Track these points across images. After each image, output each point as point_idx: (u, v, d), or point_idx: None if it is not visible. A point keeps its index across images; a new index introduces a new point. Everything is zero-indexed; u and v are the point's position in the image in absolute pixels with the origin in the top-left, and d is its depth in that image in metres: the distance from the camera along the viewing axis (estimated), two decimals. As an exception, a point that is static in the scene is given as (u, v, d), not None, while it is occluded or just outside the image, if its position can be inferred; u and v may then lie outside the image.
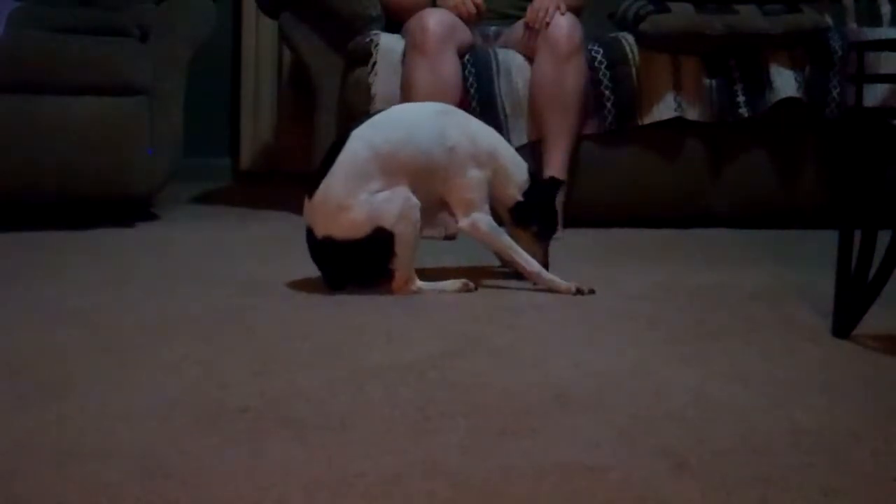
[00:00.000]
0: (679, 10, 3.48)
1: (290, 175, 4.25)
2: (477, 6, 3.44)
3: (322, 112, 3.61)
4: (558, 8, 3.38)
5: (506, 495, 1.33)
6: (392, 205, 2.35)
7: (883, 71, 3.02)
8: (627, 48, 3.49)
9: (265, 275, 2.57)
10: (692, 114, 3.49)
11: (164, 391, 1.70)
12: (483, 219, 2.46)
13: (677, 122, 3.49)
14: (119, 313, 2.23)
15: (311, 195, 2.38)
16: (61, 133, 3.25)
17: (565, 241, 3.22)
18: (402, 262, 2.37)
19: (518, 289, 2.48)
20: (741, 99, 3.49)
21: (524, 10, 3.47)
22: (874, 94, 3.33)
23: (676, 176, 3.52)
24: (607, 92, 3.45)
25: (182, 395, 1.68)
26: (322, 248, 2.38)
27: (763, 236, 3.34)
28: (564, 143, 3.37)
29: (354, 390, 1.71)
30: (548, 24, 3.35)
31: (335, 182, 2.36)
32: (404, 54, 3.38)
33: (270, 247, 2.99)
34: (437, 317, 2.23)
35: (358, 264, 2.39)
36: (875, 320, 2.09)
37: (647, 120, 3.49)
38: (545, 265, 2.51)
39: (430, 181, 2.44)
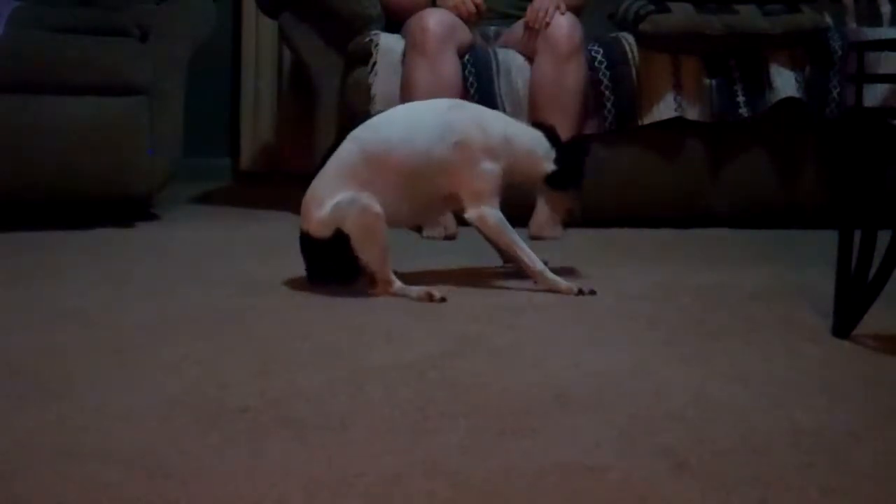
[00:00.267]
0: (679, 10, 3.48)
1: (290, 175, 4.25)
2: (477, 6, 3.44)
3: (322, 112, 3.61)
4: (558, 8, 3.38)
5: (506, 495, 1.33)
6: (351, 208, 2.35)
7: (883, 71, 3.02)
8: (627, 48, 3.49)
9: (265, 275, 2.57)
10: (692, 114, 3.49)
11: (164, 391, 1.70)
12: (492, 212, 2.46)
13: (677, 122, 3.49)
14: (119, 313, 2.23)
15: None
16: (61, 133, 3.25)
17: (565, 240, 3.22)
18: (373, 266, 2.37)
19: (518, 289, 2.48)
20: (741, 99, 3.49)
21: (524, 10, 3.47)
22: (874, 94, 3.33)
23: (676, 176, 3.52)
24: (607, 92, 3.45)
25: (182, 395, 1.68)
26: (302, 242, 2.43)
27: (763, 236, 3.34)
28: (564, 143, 3.37)
29: (354, 390, 1.71)
30: (548, 24, 3.35)
31: (322, 180, 2.41)
32: (404, 54, 3.38)
33: (270, 247, 2.99)
34: (437, 317, 2.23)
35: (326, 262, 2.40)
36: (875, 320, 2.09)
37: (647, 120, 3.49)
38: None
39: (432, 180, 2.44)
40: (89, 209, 3.35)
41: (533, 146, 2.52)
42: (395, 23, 3.54)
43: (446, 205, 2.54)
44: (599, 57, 3.46)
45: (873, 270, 2.04)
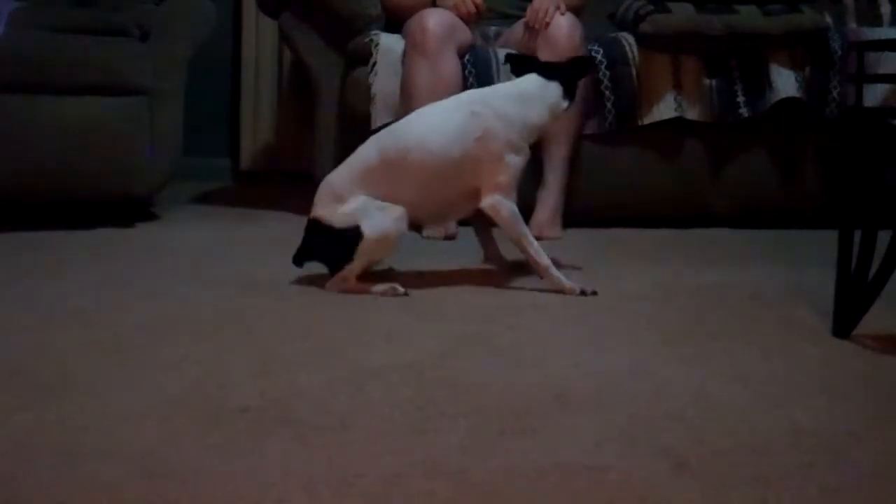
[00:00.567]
0: (679, 10, 3.48)
1: (290, 175, 4.25)
2: (477, 6, 3.44)
3: (322, 112, 3.61)
4: (558, 8, 3.37)
5: (506, 495, 1.33)
6: (382, 214, 2.40)
7: (883, 71, 3.01)
8: (627, 48, 3.49)
9: (265, 275, 2.57)
10: (692, 114, 3.49)
11: (164, 391, 1.70)
12: (506, 204, 2.48)
13: (677, 122, 3.48)
14: (119, 313, 2.23)
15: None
16: (61, 133, 3.25)
17: (565, 241, 3.22)
18: (352, 269, 2.41)
19: (518, 289, 2.48)
20: (741, 99, 3.49)
21: (524, 10, 3.47)
22: (874, 94, 3.32)
23: (676, 176, 3.52)
24: (607, 92, 3.45)
25: (182, 395, 1.68)
26: (309, 226, 2.48)
27: (763, 236, 3.34)
28: (564, 144, 3.37)
29: (354, 390, 1.72)
30: (548, 24, 3.35)
31: (339, 174, 2.48)
32: (404, 54, 3.38)
33: (270, 247, 2.99)
34: (437, 317, 2.23)
35: (324, 247, 2.45)
36: (875, 320, 2.09)
37: (647, 120, 3.49)
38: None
39: (455, 179, 2.48)
40: (89, 209, 3.35)
41: (546, 97, 2.57)
42: (395, 23, 3.54)
43: (469, 203, 2.54)
44: (599, 57, 3.46)
45: (873, 270, 2.04)
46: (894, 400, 1.77)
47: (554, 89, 2.59)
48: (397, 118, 2.85)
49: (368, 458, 1.43)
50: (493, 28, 3.61)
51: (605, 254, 3.00)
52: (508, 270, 2.63)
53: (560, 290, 2.43)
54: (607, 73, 3.45)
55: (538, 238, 3.15)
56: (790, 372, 1.88)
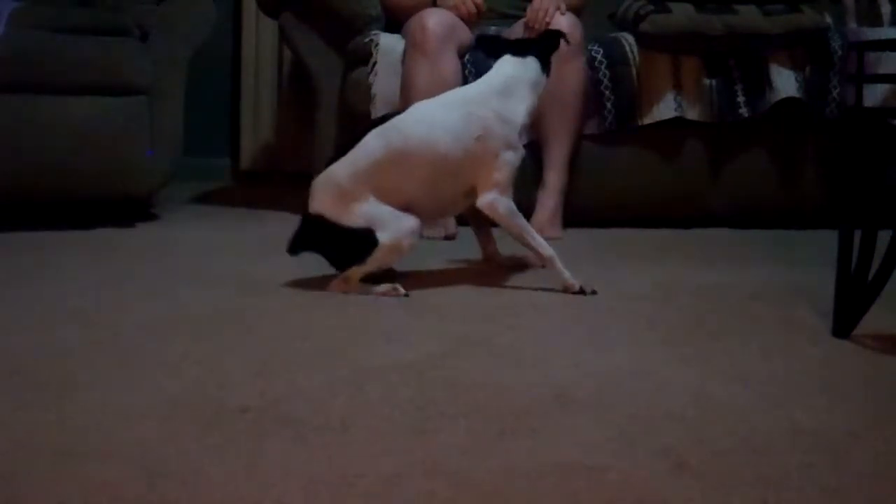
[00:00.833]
0: (679, 10, 3.48)
1: (290, 175, 4.25)
2: (477, 6, 3.44)
3: (322, 112, 3.61)
4: (558, 8, 3.38)
5: (506, 495, 1.33)
6: (399, 224, 2.39)
7: (883, 71, 3.02)
8: (627, 48, 3.49)
9: (265, 275, 2.57)
10: (692, 114, 3.49)
11: (164, 391, 1.70)
12: (503, 201, 2.47)
13: (677, 122, 3.48)
14: (119, 313, 2.23)
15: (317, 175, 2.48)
16: (61, 133, 3.25)
17: (565, 240, 3.22)
18: (360, 270, 2.40)
19: (518, 289, 2.48)
20: (741, 99, 3.49)
21: (524, 10, 3.47)
22: (874, 94, 3.33)
23: (676, 176, 3.52)
24: (607, 92, 3.45)
25: (182, 395, 1.68)
26: (309, 222, 2.44)
27: (763, 236, 3.34)
28: (564, 144, 3.37)
29: (354, 390, 1.71)
30: (548, 24, 3.35)
31: (342, 167, 2.44)
32: (404, 54, 3.39)
33: (270, 247, 2.98)
34: (437, 317, 2.23)
35: (330, 246, 2.44)
36: (875, 320, 2.09)
37: (647, 120, 3.49)
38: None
39: (452, 178, 2.47)
40: (89, 209, 3.35)
41: (527, 79, 2.58)
42: (395, 23, 3.54)
43: (465, 200, 2.54)
44: (599, 57, 3.46)
45: (873, 270, 2.04)
46: (894, 400, 1.76)
47: (532, 65, 2.60)
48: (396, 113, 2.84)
49: (368, 458, 1.43)
50: (493, 28, 3.61)
51: (605, 254, 3.00)
52: (508, 270, 2.63)
53: (563, 283, 2.42)
54: (607, 73, 3.45)
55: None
56: (790, 372, 1.88)
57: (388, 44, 3.43)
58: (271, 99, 4.55)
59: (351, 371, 1.81)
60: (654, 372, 1.85)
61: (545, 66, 2.63)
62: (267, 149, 4.55)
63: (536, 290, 2.46)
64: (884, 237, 2.04)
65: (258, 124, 4.55)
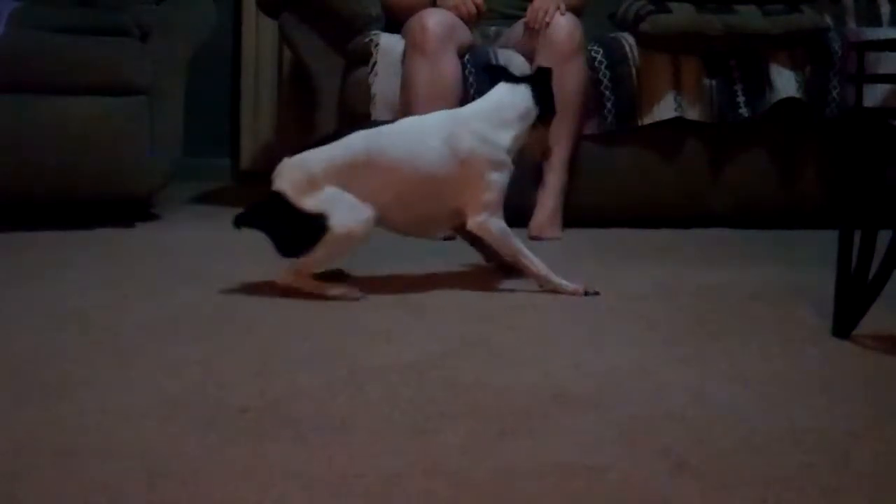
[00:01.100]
0: (679, 10, 3.48)
1: (290, 175, 4.24)
2: (477, 6, 3.44)
3: (322, 112, 3.61)
4: (558, 8, 3.38)
5: (506, 495, 1.33)
6: (354, 213, 2.35)
7: (883, 71, 3.02)
8: (627, 48, 3.49)
9: (264, 275, 2.57)
10: (692, 114, 3.49)
11: (164, 391, 1.70)
12: (494, 221, 2.45)
13: (677, 122, 3.48)
14: (119, 313, 2.23)
15: (290, 156, 2.43)
16: (61, 133, 3.25)
17: (565, 241, 3.22)
18: (311, 260, 2.37)
19: (518, 289, 2.48)
20: (741, 99, 3.49)
21: (524, 10, 3.47)
22: (874, 94, 3.33)
23: (676, 176, 3.52)
24: (607, 92, 3.45)
25: (182, 395, 1.68)
26: (269, 198, 2.39)
27: (763, 236, 3.34)
28: (564, 144, 3.37)
29: (354, 390, 1.71)
30: (548, 24, 3.35)
31: (317, 156, 2.39)
32: (404, 54, 3.39)
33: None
34: (437, 317, 2.23)
35: (280, 226, 2.39)
36: (875, 320, 2.09)
37: (647, 120, 3.49)
38: (547, 147, 2.69)
39: (433, 198, 2.44)
40: (89, 209, 3.35)
41: (518, 106, 2.53)
42: (395, 23, 3.54)
43: (447, 221, 2.53)
44: (599, 57, 3.46)
45: (873, 270, 2.04)
46: (894, 400, 1.76)
47: (523, 93, 2.54)
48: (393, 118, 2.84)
49: (368, 458, 1.43)
50: (493, 28, 3.61)
51: (605, 254, 3.00)
52: (508, 270, 2.63)
53: (565, 293, 2.42)
54: (607, 73, 3.45)
55: (538, 238, 3.16)
56: (790, 372, 1.88)
57: (388, 44, 3.43)
58: (271, 99, 4.55)
59: (351, 371, 1.81)
60: (654, 372, 1.85)
61: (540, 100, 2.56)
62: (267, 149, 4.55)
63: (536, 290, 2.46)
64: (884, 237, 2.04)
65: (258, 124, 4.55)
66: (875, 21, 3.89)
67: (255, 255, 2.90)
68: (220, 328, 2.12)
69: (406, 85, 3.35)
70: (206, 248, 3.01)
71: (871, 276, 2.04)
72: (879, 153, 2.12)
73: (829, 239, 2.23)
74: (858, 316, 2.07)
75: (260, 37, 4.50)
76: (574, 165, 3.42)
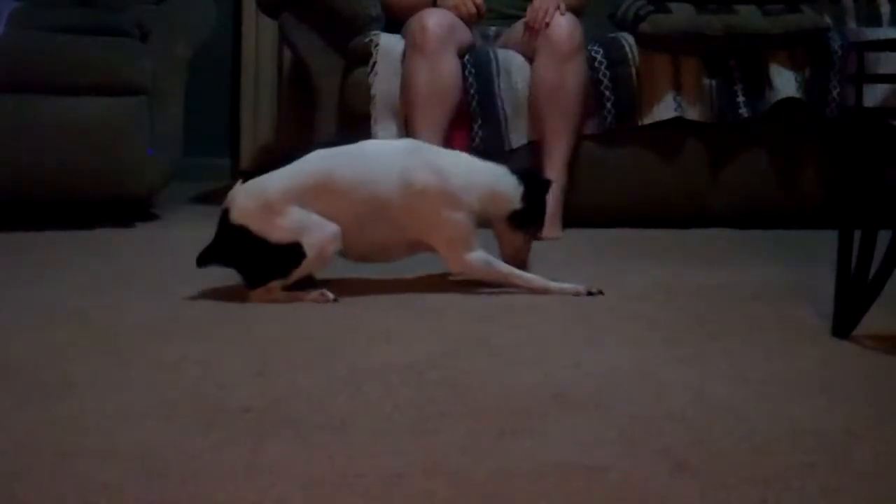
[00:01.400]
0: (679, 10, 3.48)
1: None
2: (477, 6, 3.44)
3: (322, 112, 3.61)
4: (558, 8, 3.38)
5: (506, 495, 1.33)
6: (323, 231, 2.32)
7: (883, 71, 3.01)
8: (627, 48, 3.49)
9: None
10: (692, 114, 3.49)
11: (164, 391, 1.70)
12: (473, 258, 2.41)
13: (677, 122, 3.48)
14: (119, 313, 2.23)
15: (244, 181, 2.39)
16: (61, 133, 3.25)
17: (565, 241, 3.22)
18: (285, 281, 2.34)
19: (518, 289, 2.48)
20: (741, 99, 3.49)
21: (524, 10, 3.47)
22: (874, 94, 3.32)
23: (676, 176, 3.52)
24: (607, 92, 3.45)
25: (182, 395, 1.68)
26: (229, 231, 2.35)
27: (763, 236, 3.34)
28: (564, 144, 3.37)
29: (354, 390, 1.71)
30: (548, 24, 3.35)
31: (274, 180, 2.35)
32: (404, 54, 3.39)
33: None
34: (437, 317, 2.23)
35: (250, 260, 2.35)
36: (875, 320, 2.09)
37: (647, 120, 3.49)
38: (526, 260, 2.53)
39: (391, 227, 2.40)
40: (89, 209, 3.35)
41: (503, 188, 2.46)
42: (395, 23, 3.54)
43: (406, 251, 2.49)
44: (599, 57, 3.46)
45: (873, 270, 2.04)
46: (894, 400, 1.76)
47: (511, 182, 2.46)
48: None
49: (368, 458, 1.43)
50: (493, 28, 3.61)
51: (605, 254, 3.00)
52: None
53: (569, 295, 2.41)
54: (607, 73, 3.45)
55: (538, 239, 3.16)
56: (790, 372, 1.88)
57: (388, 44, 3.43)
58: (271, 99, 4.55)
59: (351, 371, 1.81)
60: (654, 372, 1.85)
61: (530, 205, 2.47)
62: (267, 149, 4.55)
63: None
64: (884, 237, 2.03)
65: (258, 124, 4.55)
66: (875, 21, 3.89)
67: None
68: (220, 328, 2.12)
69: (406, 85, 3.35)
70: (206, 248, 3.00)
71: (871, 276, 2.04)
72: (879, 153, 2.12)
73: (829, 239, 2.22)
74: (858, 316, 2.07)
75: (260, 37, 4.50)
76: (574, 165, 3.42)
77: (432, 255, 2.47)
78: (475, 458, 1.44)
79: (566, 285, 2.43)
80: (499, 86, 3.40)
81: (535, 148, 3.41)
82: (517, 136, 3.41)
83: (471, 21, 3.45)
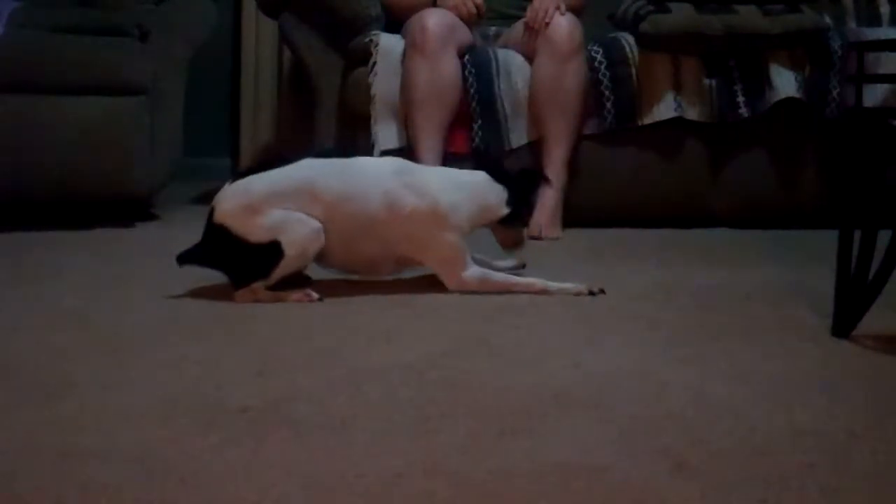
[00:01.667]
0: (679, 10, 3.48)
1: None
2: (477, 6, 3.44)
3: (322, 112, 3.61)
4: (558, 8, 3.38)
5: (506, 495, 1.33)
6: (303, 229, 2.32)
7: (883, 71, 3.02)
8: (627, 48, 3.49)
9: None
10: (692, 114, 3.49)
11: (164, 391, 1.70)
12: (468, 275, 2.41)
13: (677, 122, 3.48)
14: (119, 313, 2.23)
15: (234, 181, 2.39)
16: (61, 133, 3.25)
17: (565, 241, 3.22)
18: (267, 281, 2.33)
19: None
20: (741, 99, 3.49)
21: (524, 10, 3.47)
22: (874, 94, 3.33)
23: (676, 176, 3.52)
24: (607, 92, 3.45)
25: (182, 395, 1.68)
26: (212, 230, 2.36)
27: (763, 236, 3.34)
28: (564, 144, 3.37)
29: (354, 390, 1.71)
30: (548, 24, 3.35)
31: (259, 182, 2.36)
32: (404, 54, 3.39)
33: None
34: (437, 317, 2.23)
35: (231, 261, 2.35)
36: (875, 320, 2.09)
37: (647, 120, 3.49)
38: (522, 242, 2.57)
39: (381, 240, 2.40)
40: (89, 209, 3.35)
41: (483, 198, 2.46)
42: (395, 23, 3.54)
43: (394, 267, 2.49)
44: (599, 57, 3.46)
45: (873, 270, 2.04)
46: (894, 400, 1.76)
47: (496, 191, 2.46)
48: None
49: (368, 458, 1.43)
50: (493, 28, 3.61)
51: (605, 254, 3.00)
52: (507, 271, 2.63)
53: (570, 295, 2.41)
54: (607, 73, 3.45)
55: (538, 238, 3.16)
56: (790, 372, 1.88)
57: (388, 44, 3.43)
58: (271, 99, 4.55)
59: (351, 371, 1.81)
60: (654, 372, 1.85)
61: (516, 200, 2.47)
62: (267, 149, 4.55)
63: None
64: (884, 237, 2.03)
65: (258, 124, 4.55)
66: (875, 21, 3.89)
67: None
68: (220, 328, 2.12)
69: (406, 85, 3.35)
70: (206, 248, 3.00)
71: (871, 276, 2.04)
72: (879, 153, 2.12)
73: (829, 239, 2.22)
74: (858, 316, 2.07)
75: (260, 37, 4.50)
76: (574, 165, 3.42)
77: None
78: (475, 458, 1.44)
79: (566, 285, 2.43)
80: (499, 86, 3.40)
81: (535, 148, 3.41)
82: (517, 136, 3.41)
83: (471, 21, 3.46)
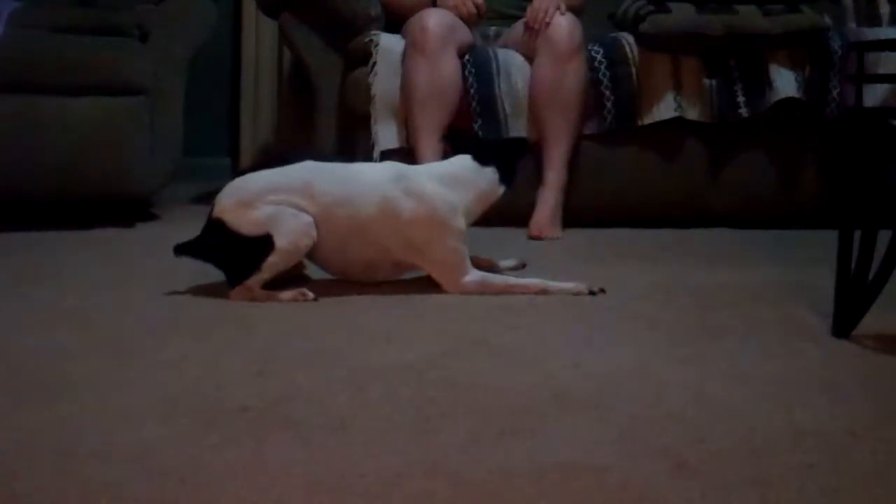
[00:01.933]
0: (679, 10, 3.48)
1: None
2: (477, 6, 3.44)
3: (322, 112, 3.61)
4: (558, 8, 3.38)
5: (506, 495, 1.33)
6: (295, 223, 2.33)
7: (883, 71, 3.01)
8: (627, 48, 3.49)
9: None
10: (692, 114, 3.49)
11: (164, 391, 1.70)
12: (468, 280, 2.41)
13: (677, 122, 3.48)
14: (119, 313, 2.23)
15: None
16: (61, 133, 3.25)
17: (565, 241, 3.22)
18: (260, 277, 2.33)
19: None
20: (741, 99, 3.49)
21: (524, 10, 3.47)
22: (874, 94, 3.32)
23: (676, 176, 3.52)
24: (607, 92, 3.45)
25: (182, 395, 1.68)
26: (210, 225, 2.39)
27: (763, 236, 3.34)
28: (564, 144, 3.37)
29: (354, 390, 1.72)
30: (548, 24, 3.35)
31: (258, 179, 2.42)
32: (404, 54, 3.39)
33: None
34: (437, 317, 2.23)
35: (225, 254, 2.37)
36: (875, 320, 2.09)
37: (647, 120, 3.48)
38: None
39: (375, 248, 2.40)
40: (89, 209, 3.35)
41: (476, 185, 2.45)
42: (395, 23, 3.54)
43: (393, 271, 2.49)
44: (599, 57, 3.46)
45: (873, 270, 2.04)
46: (894, 400, 1.76)
47: (488, 175, 2.46)
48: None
49: (368, 458, 1.43)
50: (493, 28, 3.61)
51: (605, 254, 3.00)
52: (507, 271, 2.63)
53: (570, 294, 2.41)
54: (607, 73, 3.45)
55: (538, 238, 3.16)
56: (790, 372, 1.88)
57: (388, 44, 3.43)
58: (271, 99, 4.55)
59: (351, 371, 1.81)
60: (654, 372, 1.85)
61: (506, 175, 2.48)
62: (267, 149, 4.55)
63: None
64: (884, 237, 2.04)
65: (258, 124, 4.55)
66: (875, 21, 3.89)
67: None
68: (220, 328, 2.12)
69: (406, 85, 3.35)
70: (206, 248, 3.00)
71: (871, 276, 2.04)
72: (879, 153, 2.12)
73: (829, 239, 2.22)
74: (858, 316, 2.07)
75: (260, 37, 4.50)
76: (574, 165, 3.42)
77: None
78: (475, 458, 1.44)
79: (566, 285, 2.43)
80: (499, 86, 3.40)
81: (535, 147, 3.41)
82: (517, 136, 3.41)
83: (471, 21, 3.46)
